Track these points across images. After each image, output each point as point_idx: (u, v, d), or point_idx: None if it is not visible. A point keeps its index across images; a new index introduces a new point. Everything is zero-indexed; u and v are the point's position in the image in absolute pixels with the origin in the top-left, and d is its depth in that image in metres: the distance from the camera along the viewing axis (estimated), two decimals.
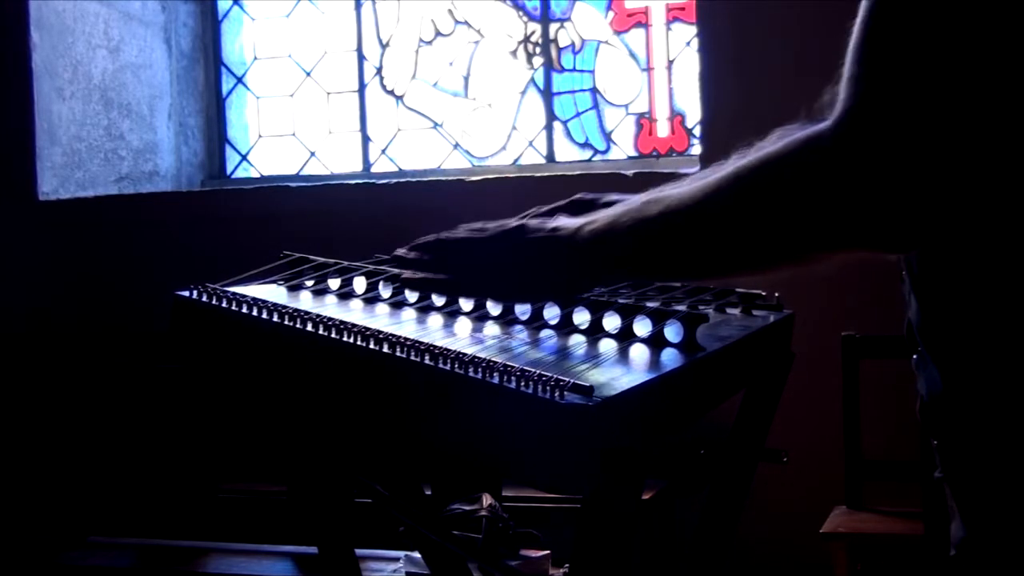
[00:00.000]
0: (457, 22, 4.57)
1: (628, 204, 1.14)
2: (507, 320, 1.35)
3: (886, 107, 0.91)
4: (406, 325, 1.34)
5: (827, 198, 0.94)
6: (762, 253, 1.03)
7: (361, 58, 4.66)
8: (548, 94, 4.44)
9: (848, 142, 0.93)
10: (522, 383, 1.05)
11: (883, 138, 0.91)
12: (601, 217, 1.16)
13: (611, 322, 1.31)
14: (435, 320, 1.37)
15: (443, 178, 4.32)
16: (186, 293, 1.44)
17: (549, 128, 4.43)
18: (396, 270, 1.52)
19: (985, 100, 0.92)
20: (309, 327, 1.28)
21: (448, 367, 1.12)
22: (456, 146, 4.55)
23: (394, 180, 4.35)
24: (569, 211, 1.36)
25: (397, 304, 1.44)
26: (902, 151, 0.91)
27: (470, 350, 1.14)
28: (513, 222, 1.27)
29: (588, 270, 1.18)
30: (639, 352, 1.24)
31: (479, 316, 1.38)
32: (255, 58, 4.85)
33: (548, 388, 1.03)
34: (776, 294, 1.60)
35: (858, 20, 0.95)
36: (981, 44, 0.91)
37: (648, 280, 1.14)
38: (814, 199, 0.95)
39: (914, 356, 1.10)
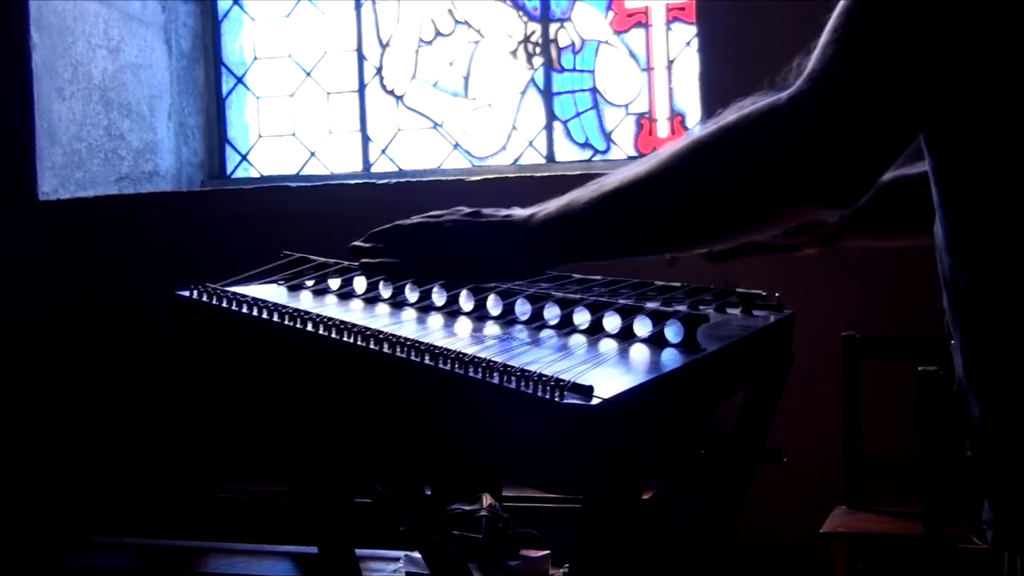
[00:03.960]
0: (457, 22, 4.57)
1: (579, 190, 1.17)
2: (507, 320, 1.35)
3: (854, 68, 0.96)
4: (406, 325, 1.34)
5: (785, 152, 0.98)
6: (723, 218, 1.06)
7: (361, 58, 4.66)
8: (548, 94, 4.44)
9: (811, 98, 0.97)
10: (522, 383, 1.05)
11: (847, 95, 0.96)
12: (553, 203, 1.20)
13: (611, 322, 1.31)
14: (435, 320, 1.37)
15: (443, 178, 4.32)
16: (186, 293, 1.44)
17: (549, 128, 4.43)
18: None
19: (952, 71, 0.96)
20: (309, 327, 1.28)
21: (448, 367, 1.12)
22: (456, 146, 4.55)
23: (394, 180, 4.35)
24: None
25: (397, 304, 1.44)
26: (865, 108, 0.95)
27: (470, 350, 1.14)
28: (466, 209, 1.30)
29: (542, 251, 1.20)
30: (639, 352, 1.24)
31: (479, 316, 1.38)
32: (255, 58, 4.85)
33: (548, 388, 1.03)
34: (776, 294, 1.60)
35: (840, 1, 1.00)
36: (951, 20, 0.95)
37: (602, 259, 1.16)
38: (773, 154, 0.99)
39: (952, 341, 1.13)
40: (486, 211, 1.28)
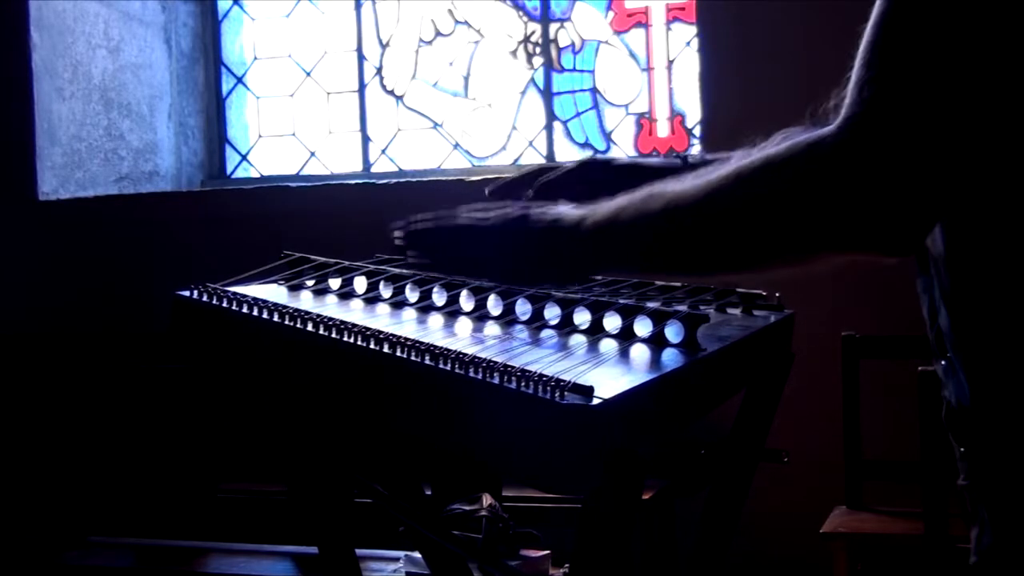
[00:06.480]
0: (457, 22, 4.57)
1: (630, 198, 1.13)
2: (508, 320, 1.35)
3: (893, 113, 0.92)
4: (406, 325, 1.34)
5: (828, 201, 0.95)
6: (760, 253, 1.04)
7: (361, 58, 4.66)
8: (548, 94, 4.44)
9: (852, 147, 0.93)
10: (522, 383, 1.05)
11: (888, 144, 0.92)
12: (602, 209, 1.16)
13: (612, 322, 1.31)
14: (435, 320, 1.37)
15: (443, 178, 4.32)
16: (186, 293, 1.44)
17: (549, 128, 4.43)
18: (397, 270, 1.53)
19: (992, 108, 0.92)
20: (309, 327, 1.28)
21: (448, 367, 1.12)
22: (456, 146, 4.55)
23: (394, 180, 4.35)
24: (579, 174, 1.43)
25: (398, 304, 1.44)
26: (906, 157, 0.91)
27: (471, 350, 1.14)
28: (515, 211, 1.27)
29: (588, 262, 1.19)
30: (640, 352, 1.24)
31: (480, 316, 1.38)
32: (255, 58, 4.85)
33: (548, 388, 1.03)
34: (777, 294, 1.60)
35: (868, 26, 0.95)
36: (990, 54, 0.91)
37: (646, 274, 1.15)
38: (815, 202, 0.96)
39: (942, 362, 1.10)
40: (534, 213, 1.24)
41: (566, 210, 1.22)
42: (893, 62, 0.93)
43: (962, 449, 1.09)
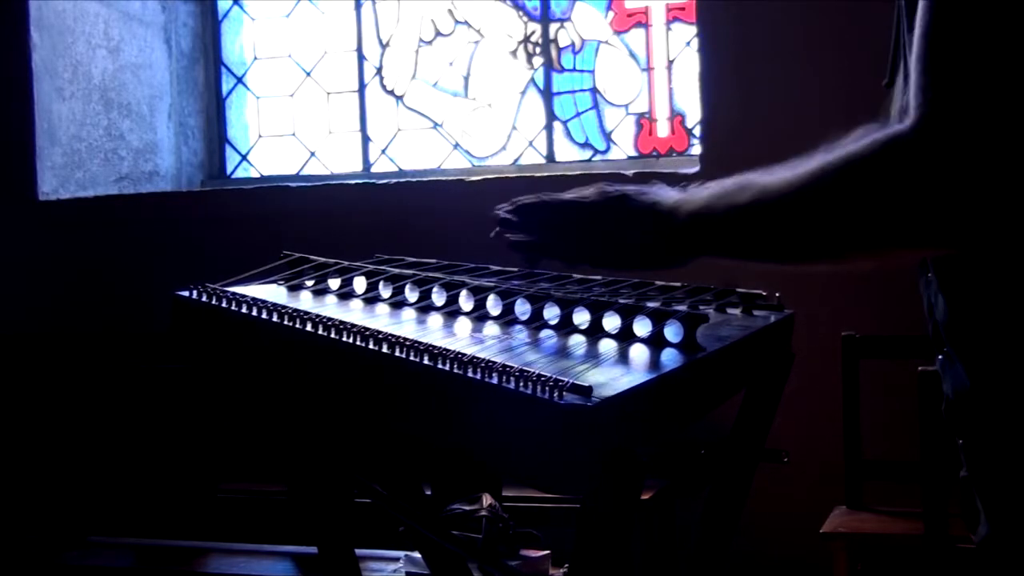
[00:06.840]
0: (457, 22, 4.57)
1: (723, 188, 1.18)
2: (507, 320, 1.35)
3: (954, 116, 0.96)
4: (406, 325, 1.34)
5: (908, 197, 0.98)
6: (841, 245, 1.07)
7: (361, 58, 4.66)
8: (548, 94, 4.43)
9: (926, 144, 0.97)
10: (521, 383, 1.05)
11: (955, 144, 0.96)
12: (697, 198, 1.21)
13: (611, 322, 1.31)
14: (435, 320, 1.37)
15: (443, 178, 4.32)
16: (186, 293, 1.44)
17: (549, 128, 4.43)
18: (396, 271, 1.53)
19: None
20: (309, 327, 1.28)
21: (447, 367, 1.12)
22: (456, 146, 4.55)
23: (394, 180, 4.35)
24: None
25: (397, 304, 1.44)
26: (973, 155, 0.95)
27: (470, 350, 1.14)
28: (610, 188, 1.32)
29: (682, 246, 1.22)
30: (639, 352, 1.24)
31: (479, 316, 1.38)
32: (255, 58, 4.85)
33: (547, 388, 1.03)
34: (776, 294, 1.60)
35: (917, 31, 0.99)
36: None
37: (739, 261, 1.17)
38: (896, 197, 0.99)
39: (939, 356, 1.11)
40: (630, 191, 1.30)
41: (663, 193, 1.27)
42: (948, 63, 0.97)
43: (960, 441, 1.09)
